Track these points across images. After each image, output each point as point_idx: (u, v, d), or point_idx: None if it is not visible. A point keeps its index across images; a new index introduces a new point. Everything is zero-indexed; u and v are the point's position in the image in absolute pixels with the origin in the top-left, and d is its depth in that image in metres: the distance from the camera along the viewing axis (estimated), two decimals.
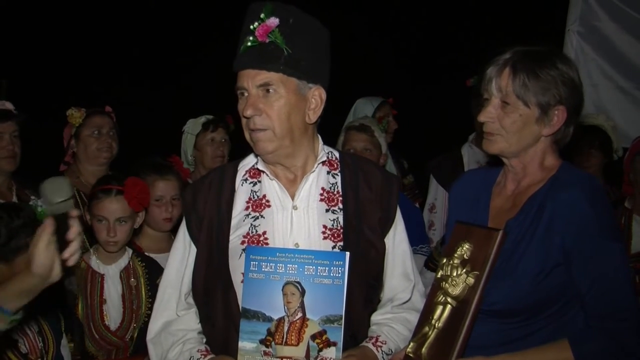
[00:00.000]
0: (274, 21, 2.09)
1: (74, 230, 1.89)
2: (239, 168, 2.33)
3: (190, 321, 2.29)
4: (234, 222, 2.23)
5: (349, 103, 4.98)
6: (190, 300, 2.30)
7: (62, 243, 1.86)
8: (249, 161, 2.34)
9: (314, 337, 2.11)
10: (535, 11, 6.98)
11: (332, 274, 2.11)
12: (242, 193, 2.27)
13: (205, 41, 7.79)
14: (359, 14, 8.26)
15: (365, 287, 2.23)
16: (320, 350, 2.11)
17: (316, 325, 2.11)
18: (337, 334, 2.11)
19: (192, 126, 4.35)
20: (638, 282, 3.65)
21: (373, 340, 2.22)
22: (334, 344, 2.11)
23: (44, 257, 1.86)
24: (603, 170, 4.42)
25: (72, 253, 1.90)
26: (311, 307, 2.11)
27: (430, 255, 3.87)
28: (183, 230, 2.31)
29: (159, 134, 4.70)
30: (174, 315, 2.30)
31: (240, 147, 2.34)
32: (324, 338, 2.11)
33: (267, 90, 2.12)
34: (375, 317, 2.31)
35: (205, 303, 2.24)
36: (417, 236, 3.94)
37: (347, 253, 2.12)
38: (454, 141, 4.72)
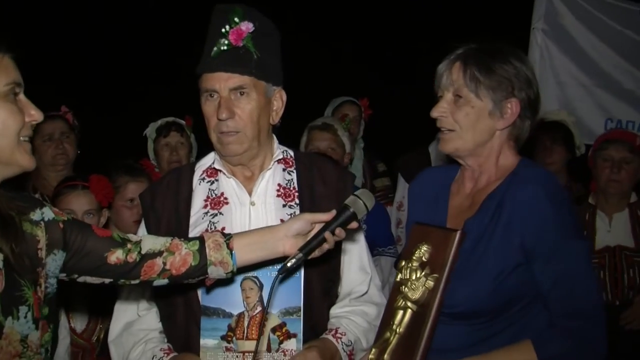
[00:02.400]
0: (248, 26, 2.14)
1: (340, 233, 1.98)
2: (195, 168, 2.37)
3: (152, 321, 2.31)
4: (192, 219, 2.26)
5: (320, 104, 5.02)
6: (151, 300, 2.32)
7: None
8: (206, 161, 2.37)
9: (274, 330, 2.14)
10: (500, 9, 7.05)
11: None
12: (200, 192, 2.31)
13: (170, 42, 7.78)
14: (332, 16, 8.31)
15: (323, 280, 2.26)
16: (281, 342, 2.14)
17: (276, 318, 2.15)
18: (297, 326, 2.14)
19: (151, 131, 4.35)
20: (602, 278, 3.70)
21: (333, 332, 2.25)
22: (294, 336, 2.14)
23: (302, 225, 1.97)
24: (566, 166, 4.47)
25: (328, 239, 1.95)
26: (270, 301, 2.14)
27: (399, 256, 3.89)
28: (142, 231, 2.33)
29: (133, 137, 4.67)
30: (135, 316, 2.32)
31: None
32: (284, 330, 2.14)
33: (241, 93, 2.16)
34: (334, 311, 2.34)
35: (166, 302, 2.26)
36: (384, 237, 3.97)
37: None
38: (426, 140, 4.76)
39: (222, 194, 2.29)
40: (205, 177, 2.33)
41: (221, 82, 2.16)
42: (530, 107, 2.11)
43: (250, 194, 2.26)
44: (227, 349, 2.14)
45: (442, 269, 1.96)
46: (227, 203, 2.27)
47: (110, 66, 8.06)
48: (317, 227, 1.98)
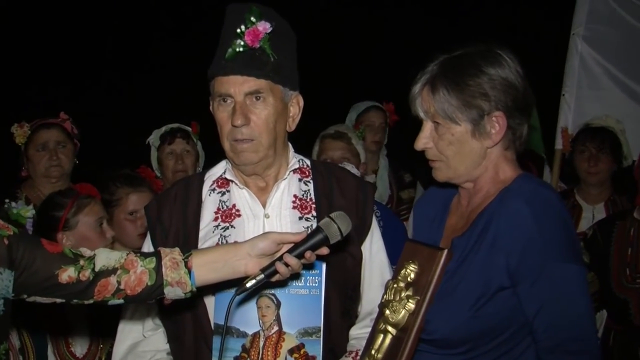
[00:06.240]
0: (265, 26, 2.02)
1: (310, 257, 1.83)
2: (205, 178, 2.24)
3: (158, 342, 2.19)
4: (202, 233, 2.13)
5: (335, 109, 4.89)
6: (157, 320, 2.20)
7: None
8: (216, 171, 2.25)
9: (291, 351, 2.02)
10: (539, 14, 6.93)
11: (308, 284, 2.02)
12: (210, 204, 2.18)
13: (171, 43, 7.69)
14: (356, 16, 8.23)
15: (343, 298, 2.14)
16: None
17: (293, 339, 2.02)
18: (316, 348, 2.01)
19: (154, 138, 4.20)
20: None
21: (353, 354, 2.13)
22: (313, 358, 2.01)
23: (267, 245, 1.84)
24: (612, 177, 4.16)
25: (290, 262, 1.81)
26: (288, 320, 2.02)
27: None
28: (148, 245, 2.20)
29: (129, 143, 4.53)
30: (141, 337, 2.20)
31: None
32: (302, 352, 2.02)
33: (257, 98, 2.04)
34: (354, 332, 2.21)
35: (174, 321, 2.13)
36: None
37: (324, 262, 2.02)
38: None
39: (234, 205, 2.16)
40: (216, 188, 2.20)
41: (236, 86, 2.03)
42: (518, 111, 1.94)
43: (264, 205, 2.14)
44: None
45: (425, 291, 1.83)
46: (239, 215, 2.14)
47: (108, 66, 7.96)
48: (285, 248, 1.85)
